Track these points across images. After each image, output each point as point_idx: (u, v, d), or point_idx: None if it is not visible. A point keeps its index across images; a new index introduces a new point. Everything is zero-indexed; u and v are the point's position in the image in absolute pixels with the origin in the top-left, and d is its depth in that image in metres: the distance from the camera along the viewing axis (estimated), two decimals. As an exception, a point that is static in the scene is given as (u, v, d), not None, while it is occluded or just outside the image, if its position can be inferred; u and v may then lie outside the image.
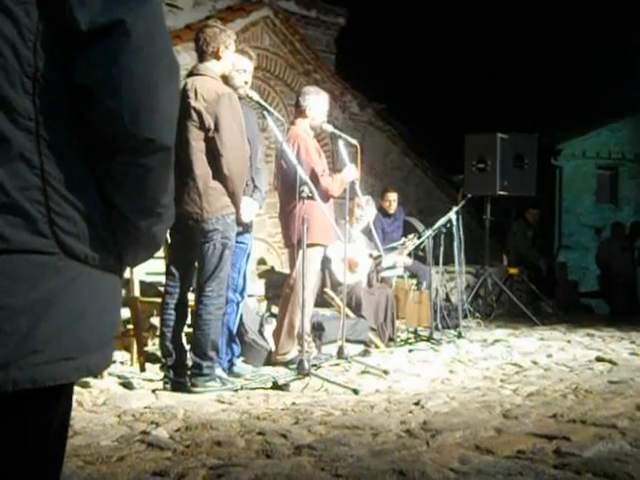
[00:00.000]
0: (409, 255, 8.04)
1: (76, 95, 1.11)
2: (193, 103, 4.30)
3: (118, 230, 1.19)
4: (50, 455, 1.24)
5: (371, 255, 7.22)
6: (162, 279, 5.37)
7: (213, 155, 4.34)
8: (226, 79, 4.62)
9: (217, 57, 4.48)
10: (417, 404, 4.18)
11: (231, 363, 5.05)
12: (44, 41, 1.09)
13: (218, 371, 4.64)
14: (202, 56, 4.49)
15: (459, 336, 7.34)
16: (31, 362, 1.08)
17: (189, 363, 4.54)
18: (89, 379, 4.73)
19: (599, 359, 6.04)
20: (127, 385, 4.62)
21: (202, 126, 4.32)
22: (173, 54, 1.19)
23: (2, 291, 1.06)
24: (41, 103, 1.09)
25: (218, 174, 4.35)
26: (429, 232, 7.53)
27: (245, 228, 4.88)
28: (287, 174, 5.27)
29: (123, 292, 5.54)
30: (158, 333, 4.84)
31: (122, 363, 5.39)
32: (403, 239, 7.97)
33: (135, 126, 1.12)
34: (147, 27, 1.11)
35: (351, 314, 6.45)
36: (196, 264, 4.54)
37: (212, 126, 4.31)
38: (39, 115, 1.09)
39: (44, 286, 1.10)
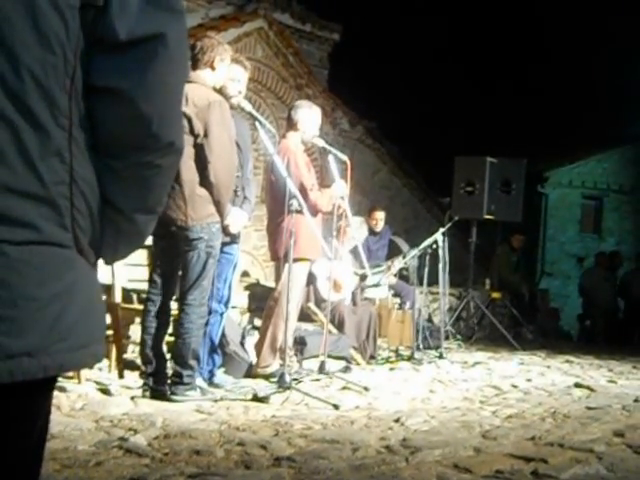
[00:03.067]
0: (394, 275, 8.06)
1: (94, 97, 1.17)
2: (183, 109, 4.28)
3: (107, 227, 1.24)
4: (34, 449, 1.26)
5: (356, 273, 7.24)
6: (144, 286, 5.35)
7: (201, 162, 4.32)
8: (219, 90, 4.61)
9: (211, 67, 4.48)
10: (397, 421, 4.17)
11: (212, 374, 5.02)
12: (83, 45, 1.15)
13: (198, 381, 4.61)
14: (196, 64, 4.49)
15: (440, 357, 7.35)
16: (59, 349, 1.14)
17: (169, 371, 4.51)
18: (66, 384, 4.69)
19: (578, 385, 6.06)
20: (105, 391, 4.58)
21: (191, 132, 4.29)
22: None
23: (34, 283, 1.11)
24: (75, 103, 1.16)
25: (205, 181, 4.33)
26: (414, 252, 7.55)
27: (233, 239, 4.87)
28: (276, 187, 5.27)
29: (104, 298, 5.52)
30: (139, 340, 4.81)
31: (100, 369, 5.35)
32: (389, 261, 8.00)
33: (160, 129, 1.19)
34: (181, 40, 1.20)
35: (333, 330, 6.45)
36: (179, 272, 4.52)
37: (201, 133, 4.29)
38: (73, 114, 1.15)
39: (66, 278, 1.15)
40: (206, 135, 4.29)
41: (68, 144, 1.15)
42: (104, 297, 5.52)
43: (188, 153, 4.32)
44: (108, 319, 5.20)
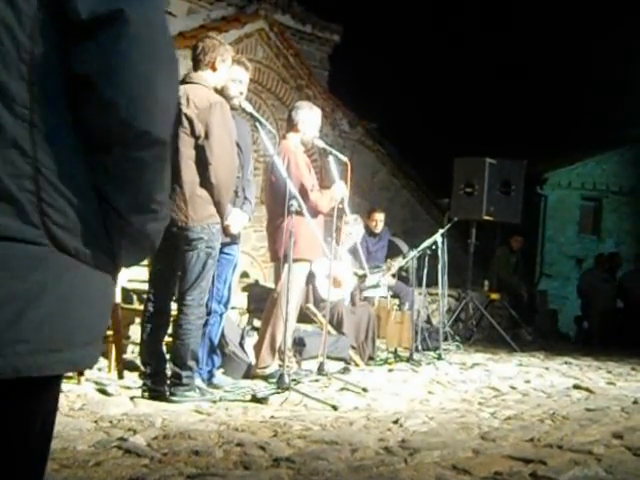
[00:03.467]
0: (393, 275, 8.07)
1: (75, 86, 1.11)
2: (185, 110, 4.30)
3: (112, 228, 1.18)
4: (32, 451, 1.23)
5: (356, 273, 7.24)
6: (144, 286, 5.35)
7: (201, 163, 4.33)
8: (220, 90, 4.62)
9: (212, 68, 4.49)
10: (396, 422, 4.18)
11: (211, 374, 5.02)
12: (43, 29, 1.09)
13: (197, 381, 4.61)
14: (197, 65, 4.50)
15: (439, 358, 7.35)
16: (15, 351, 1.07)
17: (168, 372, 4.51)
18: (66, 384, 4.69)
19: (576, 387, 6.07)
20: (104, 391, 4.59)
21: (192, 133, 4.31)
22: (173, 50, 1.19)
23: None
24: (38, 91, 1.09)
25: (205, 182, 4.34)
26: (414, 253, 7.56)
27: (233, 239, 4.88)
28: (276, 188, 5.27)
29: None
30: (138, 340, 4.81)
31: (100, 369, 5.35)
32: (388, 261, 8.01)
33: (132, 117, 1.11)
34: (147, 18, 1.11)
35: (332, 331, 6.45)
36: (179, 273, 4.52)
37: (202, 134, 4.30)
38: (34, 104, 1.09)
39: (32, 277, 1.09)
40: (207, 136, 4.29)
41: (30, 135, 1.09)
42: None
43: (189, 154, 4.32)
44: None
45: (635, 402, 5.34)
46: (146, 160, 1.15)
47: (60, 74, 1.11)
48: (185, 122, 4.30)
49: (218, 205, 4.38)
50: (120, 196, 1.17)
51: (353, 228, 6.96)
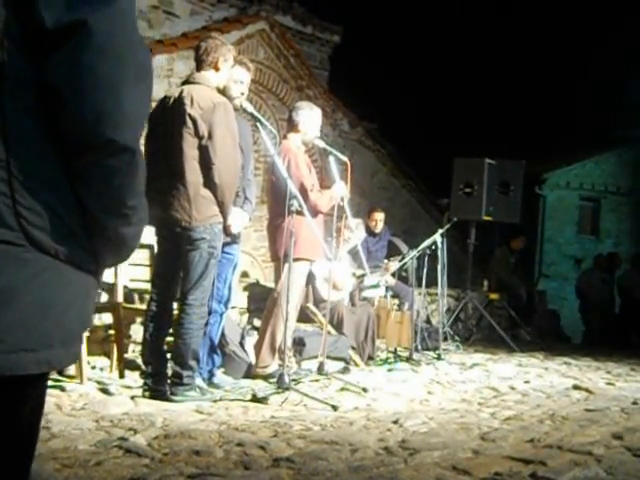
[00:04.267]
0: (392, 275, 8.08)
1: (46, 94, 1.14)
2: (189, 110, 4.31)
3: (91, 230, 1.21)
4: (17, 449, 1.24)
5: (354, 274, 7.25)
6: (146, 286, 5.36)
7: (205, 163, 4.34)
8: (222, 90, 4.63)
9: (215, 68, 4.50)
10: (396, 423, 4.18)
11: (211, 374, 5.03)
12: (13, 40, 1.11)
13: (198, 381, 4.62)
14: (200, 65, 4.52)
15: (438, 358, 7.36)
16: None
17: (169, 372, 4.52)
18: (68, 383, 4.71)
19: (576, 387, 6.08)
20: (106, 391, 4.59)
21: (196, 134, 4.32)
22: (144, 56, 1.20)
23: None
24: (9, 100, 1.11)
25: (209, 182, 4.35)
26: (413, 253, 7.56)
27: (233, 239, 4.89)
28: (277, 187, 5.28)
29: (106, 298, 5.52)
30: (140, 340, 4.82)
31: (102, 369, 5.36)
32: (386, 261, 8.01)
33: (97, 126, 1.14)
34: (111, 27, 1.13)
35: (332, 331, 6.46)
36: (181, 273, 4.53)
37: (206, 134, 4.32)
38: (7, 110, 1.11)
39: (9, 277, 1.11)
40: (210, 137, 4.31)
41: (2, 140, 1.11)
42: (106, 297, 5.53)
43: (192, 154, 4.34)
44: (110, 319, 5.22)
45: (634, 403, 5.35)
46: (115, 167, 1.18)
47: (33, 83, 1.13)
48: (189, 122, 4.31)
49: (221, 205, 4.39)
50: (93, 200, 1.20)
51: (355, 233, 6.97)
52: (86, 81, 1.12)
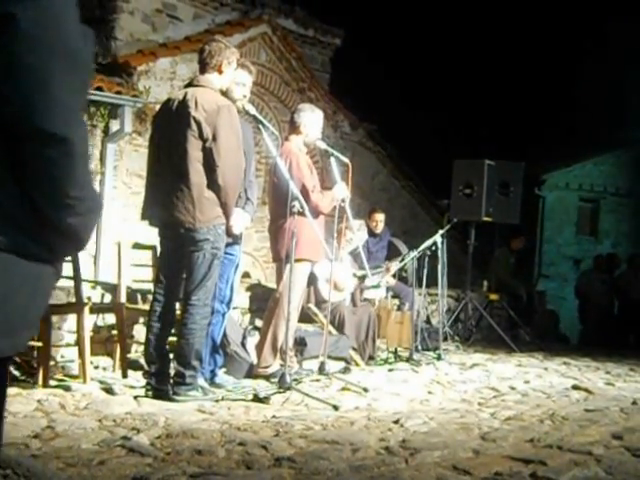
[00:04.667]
0: (393, 276, 8.10)
1: None
2: (193, 113, 4.35)
3: (41, 221, 1.23)
4: None
5: (355, 275, 7.28)
6: (149, 286, 5.39)
7: (209, 165, 4.38)
8: (225, 92, 4.67)
9: (219, 71, 4.53)
10: (396, 422, 4.21)
11: (213, 374, 5.06)
12: None
13: (200, 381, 4.65)
14: (204, 68, 4.55)
15: (438, 358, 7.39)
16: None
17: (172, 371, 4.54)
18: (71, 383, 4.73)
19: (575, 387, 6.10)
20: (109, 390, 4.62)
21: (200, 136, 4.36)
22: (77, 46, 1.22)
23: None
24: None
25: (212, 184, 4.39)
26: (414, 254, 7.59)
27: (235, 240, 4.91)
28: (279, 189, 5.31)
29: (110, 298, 5.55)
30: (143, 340, 4.85)
31: (105, 369, 5.39)
32: (386, 263, 8.04)
33: (28, 115, 1.16)
34: (40, 18, 1.16)
35: (333, 331, 6.49)
36: (184, 273, 4.56)
37: (210, 137, 4.35)
38: None
39: None
40: (214, 139, 4.34)
41: None
42: (109, 297, 5.56)
43: (196, 156, 4.37)
44: (113, 319, 5.25)
45: (634, 403, 5.38)
46: (52, 157, 1.20)
47: None
48: (193, 125, 4.34)
49: (225, 207, 4.43)
50: (35, 190, 1.22)
51: (357, 234, 7.00)
52: (16, 70, 1.15)
